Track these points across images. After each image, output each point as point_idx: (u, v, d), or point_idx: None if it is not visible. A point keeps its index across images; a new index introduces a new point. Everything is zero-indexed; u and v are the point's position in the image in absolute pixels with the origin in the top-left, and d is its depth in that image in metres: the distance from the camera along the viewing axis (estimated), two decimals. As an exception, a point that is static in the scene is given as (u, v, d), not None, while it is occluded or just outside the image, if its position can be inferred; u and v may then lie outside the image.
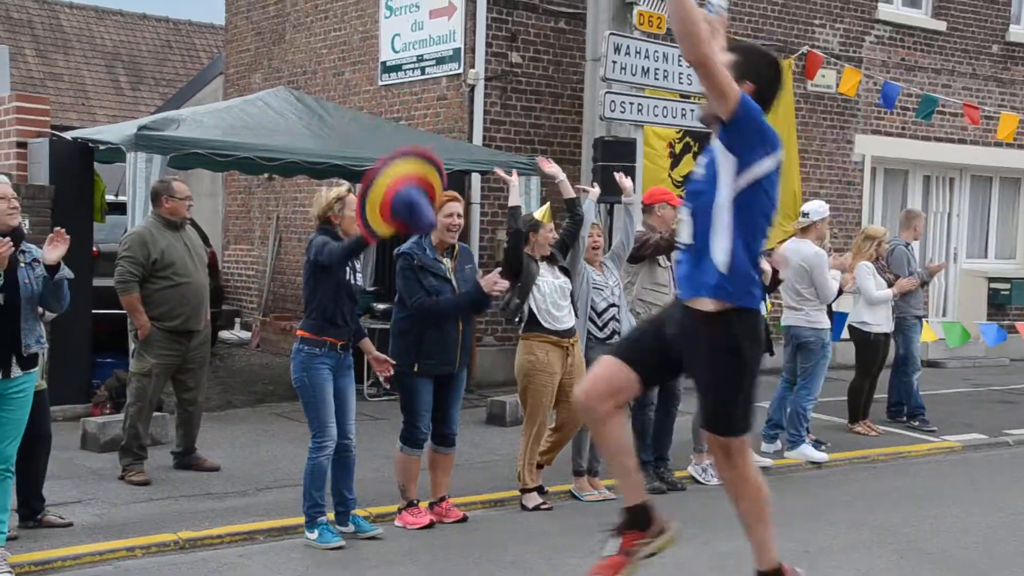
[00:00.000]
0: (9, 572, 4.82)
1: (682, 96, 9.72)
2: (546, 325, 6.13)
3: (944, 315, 13.85)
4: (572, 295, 6.29)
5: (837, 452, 7.95)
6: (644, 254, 6.85)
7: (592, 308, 6.42)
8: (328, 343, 5.37)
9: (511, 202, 6.28)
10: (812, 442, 7.86)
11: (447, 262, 5.77)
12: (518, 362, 6.25)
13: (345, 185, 5.58)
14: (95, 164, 8.50)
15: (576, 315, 6.33)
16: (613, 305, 6.46)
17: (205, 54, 21.41)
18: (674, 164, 11.22)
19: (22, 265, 4.83)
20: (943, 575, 5.36)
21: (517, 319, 6.26)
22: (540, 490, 6.41)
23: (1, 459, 4.85)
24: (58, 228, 4.86)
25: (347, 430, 5.51)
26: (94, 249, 8.48)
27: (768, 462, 7.54)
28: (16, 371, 4.79)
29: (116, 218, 8.78)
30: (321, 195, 5.50)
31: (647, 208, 7.02)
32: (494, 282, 5.65)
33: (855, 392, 8.73)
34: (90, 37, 20.69)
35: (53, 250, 4.78)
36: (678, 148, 11.21)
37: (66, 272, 4.95)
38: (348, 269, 5.40)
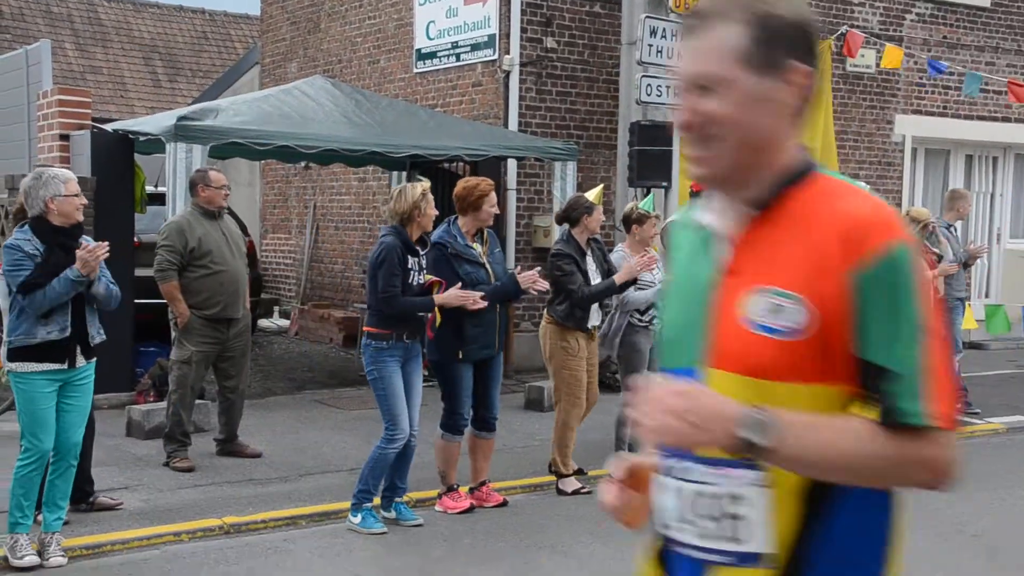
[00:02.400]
0: (63, 555, 4.93)
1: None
2: (578, 324, 6.15)
3: (987, 296, 13.63)
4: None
5: (879, 436, 7.87)
6: None
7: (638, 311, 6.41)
8: (394, 335, 5.41)
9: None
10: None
11: (478, 247, 5.79)
12: (550, 348, 6.24)
13: (426, 181, 5.59)
14: (135, 155, 8.60)
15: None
16: (655, 305, 6.44)
17: (241, 44, 21.55)
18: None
19: None
20: (985, 557, 5.30)
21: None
22: (579, 472, 6.44)
23: (69, 446, 4.97)
24: (100, 243, 4.88)
25: (412, 420, 5.55)
26: (135, 239, 8.59)
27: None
28: (81, 360, 4.95)
29: (156, 208, 8.88)
30: (407, 191, 5.44)
31: (694, 195, 6.87)
32: (533, 280, 5.67)
33: None
34: (128, 30, 20.91)
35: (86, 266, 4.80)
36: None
37: (100, 288, 4.96)
38: (411, 271, 5.43)
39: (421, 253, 5.50)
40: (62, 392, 4.91)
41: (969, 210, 9.45)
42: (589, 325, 6.19)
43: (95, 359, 5.07)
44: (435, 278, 5.54)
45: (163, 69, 20.67)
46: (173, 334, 6.86)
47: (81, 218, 4.98)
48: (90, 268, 4.76)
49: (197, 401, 7.08)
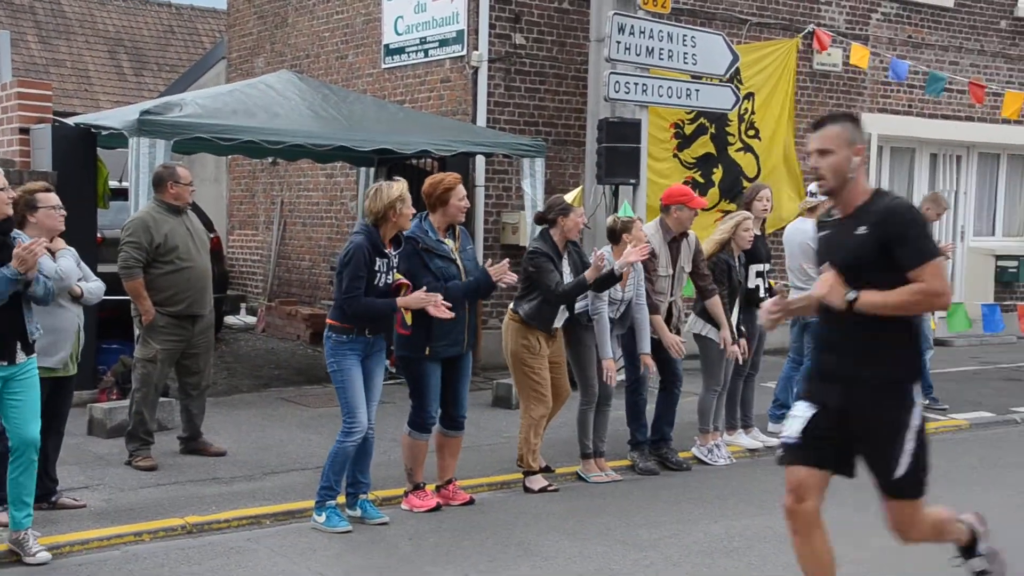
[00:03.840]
0: (44, 551, 4.89)
1: (693, 77, 9.65)
2: (544, 325, 6.15)
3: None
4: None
5: (844, 432, 7.93)
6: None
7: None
8: (355, 329, 5.37)
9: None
10: (819, 422, 7.83)
11: (450, 243, 5.76)
12: (511, 347, 6.23)
13: (403, 182, 5.52)
14: (98, 150, 8.47)
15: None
16: (612, 319, 6.42)
17: (208, 39, 21.35)
18: (684, 145, 11.16)
19: None
20: (949, 553, 5.34)
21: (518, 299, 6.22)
22: (546, 470, 6.42)
23: (27, 442, 4.89)
24: (37, 239, 4.80)
25: (369, 415, 5.51)
26: (98, 235, 8.47)
27: (775, 442, 7.53)
28: (21, 356, 4.88)
29: (120, 204, 8.76)
30: (382, 191, 5.39)
31: (664, 208, 6.77)
32: (504, 272, 5.64)
33: None
34: (92, 22, 20.64)
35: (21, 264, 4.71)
36: (688, 129, 11.15)
37: (38, 289, 4.88)
38: (378, 272, 5.38)
39: (392, 254, 5.45)
40: (6, 389, 4.84)
41: (940, 216, 9.44)
42: (552, 327, 6.18)
43: (35, 355, 5.00)
44: (403, 280, 5.50)
45: (128, 63, 20.42)
46: (136, 331, 6.77)
47: (10, 212, 4.88)
48: (28, 266, 4.67)
49: (160, 399, 7.00)
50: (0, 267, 4.67)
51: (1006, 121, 13.08)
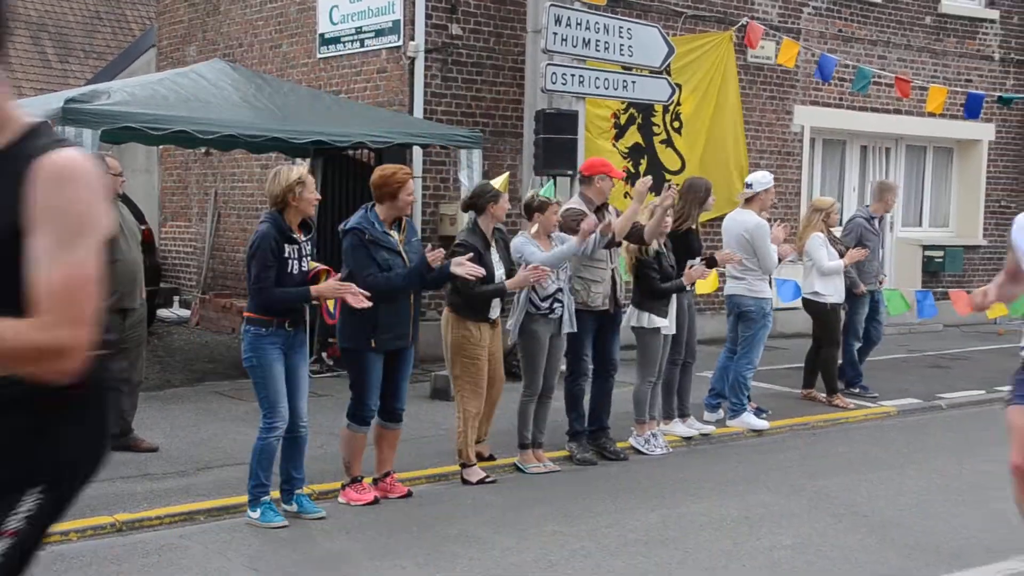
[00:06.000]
0: None
1: (624, 68, 9.71)
2: (477, 315, 6.16)
3: (881, 284, 14.07)
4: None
5: (778, 419, 8.08)
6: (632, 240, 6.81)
7: (535, 289, 6.37)
8: (275, 322, 5.28)
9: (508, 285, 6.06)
10: (754, 410, 7.97)
11: (395, 235, 5.72)
12: (451, 338, 6.22)
13: (305, 165, 5.43)
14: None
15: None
16: (559, 290, 6.42)
17: (137, 26, 20.84)
18: (618, 136, 11.23)
19: None
20: (877, 536, 5.47)
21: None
22: (490, 458, 6.43)
23: None
24: None
25: (299, 411, 5.43)
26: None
27: (710, 430, 7.63)
28: None
29: (46, 195, 8.52)
30: (281, 174, 5.31)
31: (585, 179, 6.87)
32: (436, 257, 5.58)
33: (828, 363, 8.70)
34: (13, 5, 20.02)
35: None
36: (623, 119, 11.22)
37: None
38: (289, 259, 5.29)
39: (302, 240, 5.36)
40: None
41: (895, 202, 9.63)
42: (489, 318, 6.19)
43: None
44: (322, 266, 5.43)
45: (53, 49, 19.85)
46: (63, 326, 6.60)
47: None
48: None
49: (89, 395, 6.84)
50: None
51: (932, 114, 13.39)
